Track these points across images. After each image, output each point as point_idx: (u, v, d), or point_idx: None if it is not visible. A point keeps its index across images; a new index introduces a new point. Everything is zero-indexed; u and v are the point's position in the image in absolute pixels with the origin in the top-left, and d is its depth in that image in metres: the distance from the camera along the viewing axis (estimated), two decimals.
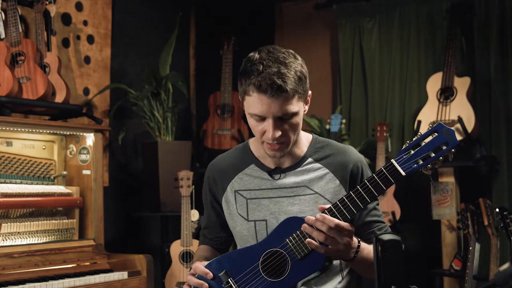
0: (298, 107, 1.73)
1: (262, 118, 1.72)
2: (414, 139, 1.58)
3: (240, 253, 1.77)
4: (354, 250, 1.66)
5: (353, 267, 1.79)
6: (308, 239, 1.61)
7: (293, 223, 1.67)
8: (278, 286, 1.67)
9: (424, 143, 1.56)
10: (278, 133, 1.71)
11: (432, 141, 1.55)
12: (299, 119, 1.76)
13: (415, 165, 1.56)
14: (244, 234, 1.84)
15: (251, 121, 1.77)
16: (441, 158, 1.55)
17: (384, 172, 1.58)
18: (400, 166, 1.56)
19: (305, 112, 1.81)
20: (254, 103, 1.71)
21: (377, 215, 1.86)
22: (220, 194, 1.90)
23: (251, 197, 1.84)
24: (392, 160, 1.57)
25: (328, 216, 1.58)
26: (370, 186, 1.59)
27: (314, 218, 1.60)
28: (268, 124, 1.71)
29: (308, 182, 1.82)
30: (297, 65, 1.72)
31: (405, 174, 1.56)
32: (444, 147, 1.54)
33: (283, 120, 1.72)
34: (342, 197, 1.61)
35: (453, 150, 1.55)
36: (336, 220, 1.58)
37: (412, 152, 1.56)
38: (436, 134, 1.55)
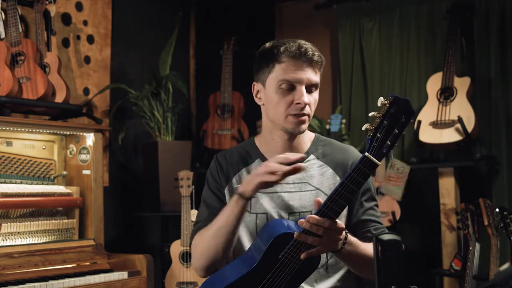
0: (319, 84, 1.84)
1: (291, 87, 1.78)
2: (377, 120, 1.55)
3: (240, 281, 1.71)
4: (341, 241, 1.67)
5: (340, 259, 1.79)
6: (303, 254, 1.61)
7: (282, 240, 1.65)
8: None
9: (386, 122, 1.54)
10: (308, 100, 1.78)
11: (392, 116, 1.53)
12: (317, 97, 1.84)
13: (385, 150, 1.55)
14: (245, 226, 1.85)
15: (277, 93, 1.80)
16: (404, 132, 1.56)
17: (361, 167, 1.57)
18: (374, 156, 1.55)
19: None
20: (287, 68, 1.78)
21: (375, 215, 1.88)
22: (225, 183, 1.91)
23: None
24: (366, 154, 1.56)
25: (320, 218, 1.58)
26: (351, 185, 1.57)
27: (306, 222, 1.59)
28: (300, 90, 1.77)
29: (309, 178, 1.85)
30: None
31: (380, 163, 1.57)
32: (403, 119, 1.53)
33: (309, 93, 1.80)
34: (325, 201, 1.60)
35: (412, 120, 1.55)
36: (328, 220, 1.58)
37: (379, 135, 1.55)
38: (393, 107, 1.53)
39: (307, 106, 1.78)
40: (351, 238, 1.71)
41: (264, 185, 1.69)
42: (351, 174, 1.57)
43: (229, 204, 1.77)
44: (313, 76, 1.79)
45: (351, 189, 1.57)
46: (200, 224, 1.91)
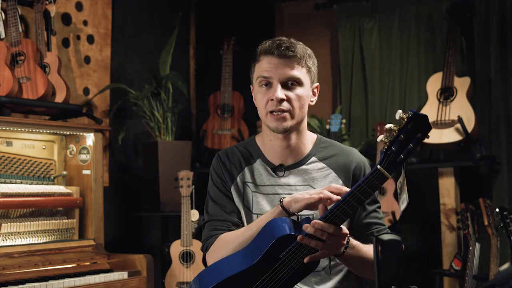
0: (305, 79, 1.81)
1: (269, 84, 1.79)
2: (393, 133, 1.54)
3: (238, 276, 1.70)
4: (344, 245, 1.67)
5: (343, 262, 1.80)
6: (307, 258, 1.61)
7: (284, 241, 1.65)
8: None
9: (402, 136, 1.52)
10: (283, 95, 1.76)
11: (409, 131, 1.52)
12: (304, 93, 1.80)
13: (397, 164, 1.54)
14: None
15: (259, 92, 1.81)
16: (418, 148, 1.55)
17: (372, 179, 1.56)
18: (386, 170, 1.54)
19: (313, 103, 1.87)
20: (262, 66, 1.80)
21: (377, 217, 1.87)
22: (230, 182, 1.89)
23: (255, 191, 1.86)
24: (379, 166, 1.54)
25: (324, 224, 1.58)
26: (359, 195, 1.58)
27: (311, 227, 1.59)
28: (274, 87, 1.77)
29: (311, 181, 1.84)
30: (306, 47, 1.85)
31: (390, 176, 1.56)
32: (419, 135, 1.52)
33: (289, 88, 1.78)
34: (332, 207, 1.60)
35: (428, 136, 1.54)
36: (334, 226, 1.59)
37: (393, 149, 1.53)
38: (411, 122, 1.51)
39: (285, 102, 1.76)
40: (353, 241, 1.71)
41: (311, 206, 1.68)
42: (361, 185, 1.57)
43: (268, 215, 1.74)
44: (289, 71, 1.77)
45: (359, 198, 1.57)
46: (217, 224, 1.86)
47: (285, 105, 1.77)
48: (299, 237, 1.60)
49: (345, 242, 1.66)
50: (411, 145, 1.53)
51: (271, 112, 1.78)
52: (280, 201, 1.73)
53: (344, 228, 1.63)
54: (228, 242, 1.80)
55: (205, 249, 1.88)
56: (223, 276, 1.69)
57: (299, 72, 1.79)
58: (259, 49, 1.82)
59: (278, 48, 1.77)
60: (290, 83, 1.78)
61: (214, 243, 1.84)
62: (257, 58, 1.82)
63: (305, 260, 1.61)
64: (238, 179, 1.88)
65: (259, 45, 1.84)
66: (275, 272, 1.66)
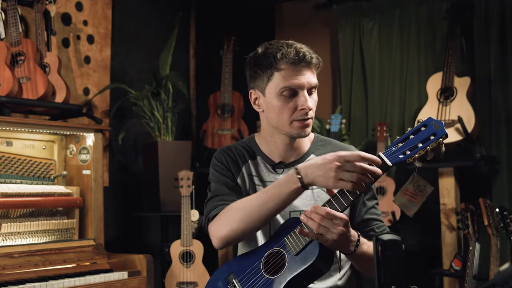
0: None
1: (293, 93, 1.77)
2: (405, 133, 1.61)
3: (246, 255, 1.81)
4: (353, 243, 1.67)
5: (353, 261, 1.80)
6: (299, 228, 1.64)
7: (292, 223, 1.71)
8: (275, 282, 1.69)
9: (413, 136, 1.57)
10: (311, 104, 1.78)
11: (421, 133, 1.57)
12: (317, 97, 1.83)
13: (401, 156, 1.57)
14: None
15: (279, 100, 1.78)
16: (428, 147, 1.56)
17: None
18: (387, 157, 1.57)
19: None
20: (288, 75, 1.76)
21: (376, 213, 1.89)
22: (237, 172, 1.89)
23: (260, 185, 1.88)
24: (380, 153, 1.58)
25: (319, 206, 1.61)
26: None
27: (308, 209, 1.62)
28: (303, 95, 1.76)
29: None
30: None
31: (392, 164, 1.57)
32: (432, 137, 1.55)
33: (310, 94, 1.80)
34: (335, 193, 1.62)
35: (441, 139, 1.56)
36: (327, 209, 1.59)
37: (401, 145, 1.58)
38: (426, 127, 1.57)
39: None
40: (363, 239, 1.72)
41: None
42: None
43: (282, 183, 1.67)
44: (312, 78, 1.79)
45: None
46: (223, 197, 1.83)
47: (310, 113, 1.79)
48: (301, 216, 1.62)
49: (346, 231, 1.62)
50: (420, 144, 1.55)
51: (299, 120, 1.78)
52: (298, 174, 1.64)
53: (341, 214, 1.60)
54: (237, 210, 1.74)
55: (210, 219, 1.82)
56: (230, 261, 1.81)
57: (315, 79, 1.81)
58: (279, 57, 1.75)
59: (304, 58, 1.75)
60: (312, 89, 1.80)
61: (221, 212, 1.78)
62: (276, 66, 1.75)
63: (297, 229, 1.63)
64: (243, 169, 1.89)
65: (276, 52, 1.76)
66: (276, 253, 1.70)
